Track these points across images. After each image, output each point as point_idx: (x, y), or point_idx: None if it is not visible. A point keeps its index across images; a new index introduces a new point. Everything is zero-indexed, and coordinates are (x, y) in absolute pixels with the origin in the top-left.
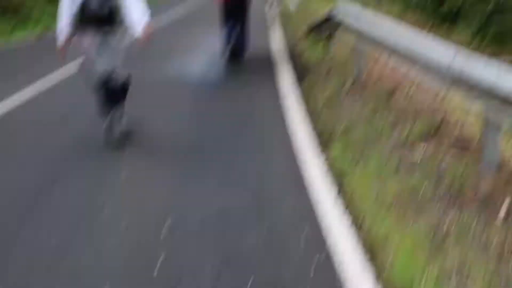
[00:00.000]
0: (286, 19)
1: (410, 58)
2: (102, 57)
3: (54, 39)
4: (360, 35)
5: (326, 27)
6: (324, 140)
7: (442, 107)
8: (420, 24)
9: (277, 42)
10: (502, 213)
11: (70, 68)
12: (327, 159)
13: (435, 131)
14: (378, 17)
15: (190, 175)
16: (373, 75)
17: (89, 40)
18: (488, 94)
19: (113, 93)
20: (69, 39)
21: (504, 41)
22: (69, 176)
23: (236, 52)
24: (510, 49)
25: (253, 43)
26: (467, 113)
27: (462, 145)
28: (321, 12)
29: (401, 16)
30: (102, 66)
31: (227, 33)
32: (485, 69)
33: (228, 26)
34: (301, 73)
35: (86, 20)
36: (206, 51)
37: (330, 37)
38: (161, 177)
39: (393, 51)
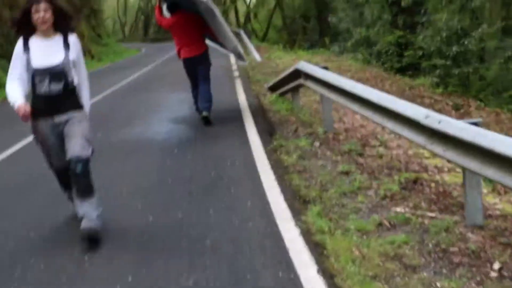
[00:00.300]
0: (252, 70)
1: (381, 113)
2: (58, 146)
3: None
4: (327, 88)
5: (293, 80)
6: (299, 204)
7: (417, 160)
8: (382, 75)
9: (243, 96)
10: (495, 269)
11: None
12: (304, 223)
13: (413, 186)
14: (343, 69)
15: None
16: (343, 128)
17: (42, 126)
18: (466, 151)
19: (74, 181)
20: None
21: (466, 90)
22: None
23: (201, 108)
24: (472, 96)
25: (219, 97)
26: (444, 168)
27: (443, 201)
28: (285, 61)
29: (363, 68)
30: (58, 157)
31: (192, 93)
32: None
33: (192, 84)
34: (270, 130)
35: (38, 103)
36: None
37: (297, 90)
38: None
39: (362, 105)
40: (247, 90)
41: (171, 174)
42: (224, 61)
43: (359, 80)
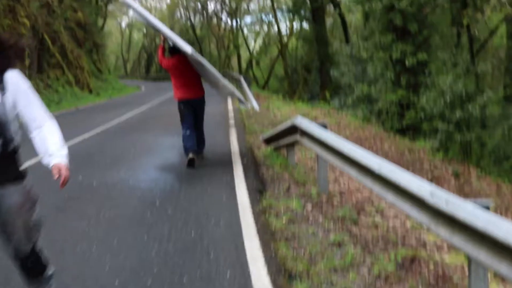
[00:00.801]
0: (249, 119)
1: (381, 183)
2: None
3: None
4: (324, 148)
5: (289, 135)
6: (283, 280)
7: (415, 234)
8: (382, 134)
9: (237, 146)
10: None
11: None
12: None
13: (410, 266)
14: (342, 125)
15: None
16: (338, 190)
17: None
18: (476, 239)
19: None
20: None
21: (467, 156)
22: None
23: (192, 152)
24: (473, 163)
25: (212, 146)
26: (443, 246)
27: (442, 287)
28: (284, 112)
29: (363, 126)
30: None
31: (183, 133)
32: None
33: (184, 126)
34: (260, 187)
35: None
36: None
37: (292, 145)
38: None
39: (361, 172)
40: (241, 140)
41: (148, 229)
42: (221, 108)
43: (358, 138)
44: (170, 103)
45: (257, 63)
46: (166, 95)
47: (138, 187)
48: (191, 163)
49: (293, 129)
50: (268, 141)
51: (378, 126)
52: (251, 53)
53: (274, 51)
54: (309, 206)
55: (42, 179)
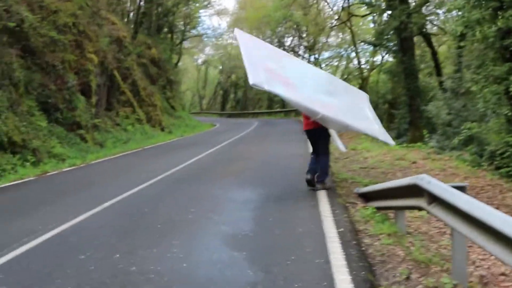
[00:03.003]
0: (335, 162)
1: None
2: None
3: None
4: (466, 221)
5: (406, 197)
6: None
7: None
8: (499, 183)
9: (327, 203)
10: None
11: None
12: None
13: None
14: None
15: None
16: (479, 278)
17: None
18: None
19: None
20: None
21: None
22: None
23: (311, 180)
24: None
25: (294, 197)
26: None
27: None
28: (375, 155)
29: (473, 172)
30: None
31: (311, 157)
32: None
33: (312, 150)
34: (370, 274)
35: None
36: None
37: (401, 209)
38: None
39: None
40: (330, 193)
41: None
42: (302, 148)
43: (472, 188)
44: (247, 141)
45: None
46: (241, 133)
47: (195, 278)
48: (308, 183)
49: (414, 191)
50: (367, 197)
51: (491, 172)
52: None
53: (354, 85)
54: None
55: None
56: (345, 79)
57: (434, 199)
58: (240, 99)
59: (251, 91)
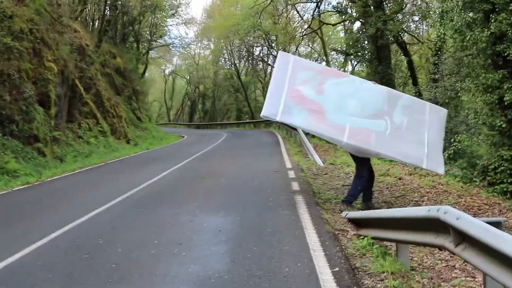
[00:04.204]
0: (314, 179)
1: None
2: None
3: None
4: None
5: (420, 231)
6: None
7: None
8: (496, 202)
9: (314, 234)
10: None
11: None
12: None
13: None
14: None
15: None
16: None
17: None
18: None
19: None
20: None
21: None
22: None
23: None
24: None
25: (276, 223)
26: None
27: None
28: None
29: (466, 190)
30: None
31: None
32: None
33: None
34: None
35: None
36: None
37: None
38: None
39: None
40: (316, 219)
41: None
42: (277, 162)
43: (468, 208)
44: (215, 156)
45: None
46: (210, 145)
47: None
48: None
49: (433, 225)
50: (359, 223)
51: (487, 189)
52: None
53: None
54: None
55: None
56: None
57: (464, 238)
58: (208, 109)
59: (219, 102)
